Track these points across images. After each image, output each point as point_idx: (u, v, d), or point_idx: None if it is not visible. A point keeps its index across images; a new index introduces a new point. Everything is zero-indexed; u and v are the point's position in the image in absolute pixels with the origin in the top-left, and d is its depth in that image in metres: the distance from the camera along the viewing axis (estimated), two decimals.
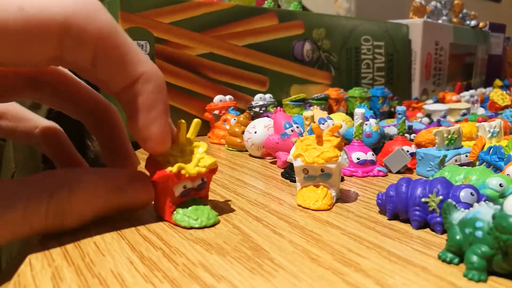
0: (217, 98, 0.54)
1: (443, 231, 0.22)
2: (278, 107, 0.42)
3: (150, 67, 0.22)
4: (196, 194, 0.25)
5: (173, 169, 0.23)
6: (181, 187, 0.24)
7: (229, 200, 0.28)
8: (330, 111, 0.65)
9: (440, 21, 0.96)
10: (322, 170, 0.27)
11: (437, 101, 0.73)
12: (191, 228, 0.23)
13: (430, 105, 0.64)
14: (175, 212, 0.24)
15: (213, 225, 0.24)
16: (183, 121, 0.24)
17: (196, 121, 0.25)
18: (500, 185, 0.24)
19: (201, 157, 0.24)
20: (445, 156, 0.33)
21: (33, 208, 0.20)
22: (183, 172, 0.23)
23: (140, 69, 0.21)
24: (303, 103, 0.61)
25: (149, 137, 0.22)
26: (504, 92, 0.66)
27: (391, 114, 0.69)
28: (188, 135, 0.25)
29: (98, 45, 0.20)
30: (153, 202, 0.25)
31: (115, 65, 0.21)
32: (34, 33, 0.18)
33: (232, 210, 0.26)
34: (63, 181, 0.21)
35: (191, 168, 0.23)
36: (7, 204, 0.19)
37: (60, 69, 0.26)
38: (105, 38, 0.20)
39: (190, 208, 0.24)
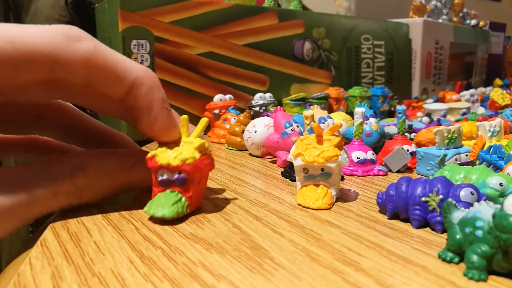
0: (217, 97, 0.54)
1: (443, 230, 0.22)
2: (278, 106, 0.42)
3: (139, 71, 0.23)
4: (177, 188, 0.24)
5: (149, 154, 0.24)
6: (159, 175, 0.24)
7: (229, 199, 0.28)
8: (330, 110, 0.65)
9: (440, 20, 0.96)
10: (322, 169, 0.27)
11: (437, 100, 0.73)
12: (151, 216, 0.24)
13: (430, 104, 0.64)
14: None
15: (172, 218, 0.24)
16: (185, 116, 0.25)
17: (204, 120, 0.26)
18: (500, 184, 0.24)
19: (183, 151, 0.24)
20: (445, 155, 0.33)
21: (59, 187, 0.23)
22: (156, 159, 0.24)
23: (130, 77, 0.22)
24: (303, 102, 0.61)
25: (156, 133, 0.24)
26: (504, 91, 0.66)
27: (391, 113, 0.69)
28: (194, 134, 0.25)
29: (87, 69, 0.21)
30: None
31: (108, 82, 0.22)
32: (24, 64, 0.20)
33: (232, 209, 0.26)
34: (79, 162, 0.24)
35: (162, 157, 0.24)
36: (37, 185, 0.22)
37: (65, 105, 0.29)
38: (91, 61, 0.21)
39: (161, 197, 0.24)
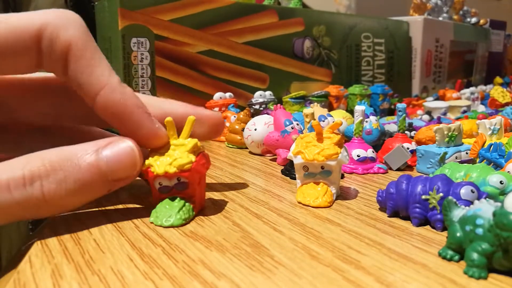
0: (217, 95, 0.54)
1: (444, 228, 0.22)
2: (278, 104, 0.42)
3: (112, 79, 0.22)
4: (178, 193, 0.24)
5: (144, 165, 0.23)
6: (157, 184, 0.24)
7: (229, 197, 0.28)
8: (330, 108, 0.64)
9: (440, 18, 0.96)
10: (322, 167, 0.27)
11: (437, 98, 0.73)
12: (159, 226, 0.23)
13: (430, 102, 0.64)
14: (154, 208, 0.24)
15: (181, 225, 0.23)
16: (170, 119, 0.24)
17: (190, 118, 0.24)
18: (501, 182, 0.24)
19: (178, 157, 0.23)
20: (446, 153, 0.33)
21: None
22: (151, 169, 0.23)
23: (102, 80, 0.22)
24: (303, 100, 0.60)
25: (141, 138, 0.23)
26: (505, 89, 0.66)
27: (391, 111, 0.69)
28: (183, 135, 0.24)
29: (69, 51, 0.21)
30: None
31: (85, 72, 0.22)
32: (14, 38, 0.20)
33: (232, 207, 0.26)
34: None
35: (158, 167, 0.23)
36: None
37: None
38: (75, 45, 0.21)
39: (165, 205, 0.24)
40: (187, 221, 0.23)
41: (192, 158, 0.23)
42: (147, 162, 0.23)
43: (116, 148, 0.22)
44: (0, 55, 0.20)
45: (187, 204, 0.24)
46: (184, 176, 0.23)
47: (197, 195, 0.25)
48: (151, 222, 0.23)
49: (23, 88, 0.26)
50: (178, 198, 0.24)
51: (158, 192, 0.24)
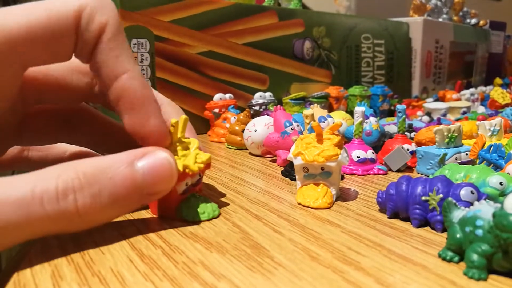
0: (217, 96, 0.54)
1: (443, 230, 0.22)
2: (278, 106, 0.42)
3: (136, 68, 0.22)
4: (193, 190, 0.25)
5: (179, 168, 0.23)
6: (183, 185, 0.24)
7: (229, 198, 0.28)
8: (330, 109, 0.64)
9: (440, 19, 0.96)
10: (322, 169, 0.27)
11: (437, 100, 0.73)
12: (200, 221, 0.24)
13: (430, 104, 0.64)
14: (179, 209, 0.24)
15: (217, 216, 0.25)
16: (175, 120, 0.24)
17: (183, 117, 0.25)
18: (501, 183, 0.24)
19: (196, 153, 0.24)
20: (445, 154, 0.33)
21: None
22: (187, 170, 0.23)
23: (126, 65, 0.22)
24: (303, 101, 0.60)
25: (149, 132, 0.23)
26: (504, 90, 0.66)
27: (391, 113, 0.69)
28: (179, 134, 0.25)
29: (103, 32, 0.21)
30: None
31: (113, 54, 0.22)
32: (57, 25, 0.20)
33: (232, 209, 0.26)
34: None
35: (192, 165, 0.23)
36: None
37: (90, 109, 0.28)
38: (110, 27, 0.21)
39: (194, 203, 0.24)
40: (215, 214, 0.25)
41: (207, 154, 0.25)
42: (181, 164, 0.23)
43: (152, 160, 0.21)
44: (43, 40, 0.20)
45: (207, 199, 0.26)
46: (202, 172, 0.25)
47: (202, 189, 0.27)
48: (187, 219, 0.24)
49: (48, 81, 0.25)
50: (196, 194, 0.25)
51: (178, 193, 0.24)
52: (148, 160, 0.21)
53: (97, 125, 0.29)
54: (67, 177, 0.19)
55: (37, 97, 0.25)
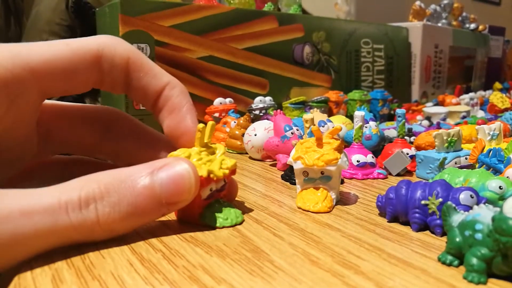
0: (217, 100, 0.54)
1: (443, 234, 0.22)
2: (278, 110, 0.42)
3: (172, 78, 0.26)
4: (218, 195, 0.25)
5: (203, 173, 0.23)
6: (208, 190, 0.24)
7: None
8: (330, 113, 0.65)
9: (439, 24, 0.96)
10: (322, 173, 0.27)
11: (436, 104, 0.73)
12: (223, 227, 0.24)
13: (430, 108, 0.64)
14: (203, 214, 0.24)
15: (241, 223, 0.24)
16: (202, 125, 0.24)
17: (211, 123, 0.25)
18: (500, 187, 0.24)
19: (222, 159, 0.24)
20: (445, 158, 0.33)
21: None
22: (211, 175, 0.23)
23: (165, 79, 0.25)
24: (303, 105, 0.61)
25: (185, 130, 0.25)
26: (504, 94, 0.66)
27: (391, 117, 0.69)
28: (206, 139, 0.25)
29: (129, 63, 0.24)
30: None
31: (146, 77, 0.25)
32: (77, 59, 0.23)
33: None
34: None
35: (217, 171, 0.23)
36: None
37: (126, 115, 0.29)
38: (133, 57, 0.24)
39: (218, 208, 0.24)
40: (239, 219, 0.25)
41: (233, 160, 0.25)
42: (206, 170, 0.23)
43: (172, 171, 0.21)
44: (65, 74, 0.23)
45: (231, 204, 0.25)
46: (227, 178, 0.25)
47: (226, 195, 0.26)
48: (215, 226, 0.24)
49: (68, 115, 0.28)
50: (221, 200, 0.25)
51: (202, 199, 0.24)
52: (167, 171, 0.21)
53: (132, 129, 0.29)
54: (89, 188, 0.20)
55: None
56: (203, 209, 0.24)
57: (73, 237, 0.20)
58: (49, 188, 0.19)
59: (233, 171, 0.25)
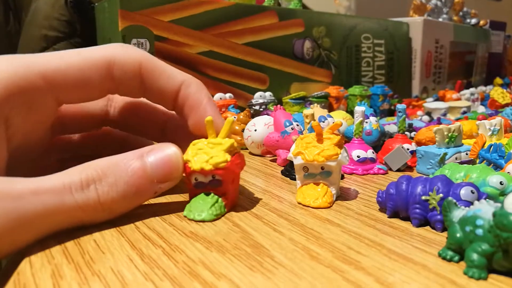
0: (217, 96, 0.54)
1: (444, 229, 0.22)
2: (278, 105, 0.42)
3: (186, 75, 0.26)
4: (211, 190, 0.25)
5: (184, 160, 0.24)
6: (193, 179, 0.25)
7: None
8: (330, 109, 0.64)
9: (440, 19, 0.96)
10: (322, 168, 0.27)
11: (437, 99, 0.73)
12: (191, 220, 0.24)
13: (430, 103, 0.64)
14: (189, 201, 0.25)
15: (212, 220, 0.24)
16: (210, 118, 0.25)
17: (230, 119, 0.26)
18: (501, 183, 0.24)
19: (215, 155, 0.24)
20: (446, 154, 0.33)
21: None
22: (188, 164, 0.24)
23: (179, 78, 0.26)
24: (303, 101, 0.60)
25: (202, 123, 0.26)
26: (505, 90, 0.66)
27: (391, 112, 0.69)
28: (221, 135, 0.25)
29: (141, 69, 0.25)
30: None
31: (161, 80, 0.26)
32: (88, 68, 0.24)
33: (232, 208, 0.26)
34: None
35: (194, 162, 0.24)
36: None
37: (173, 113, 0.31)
38: (144, 62, 0.25)
39: (194, 200, 0.25)
40: (218, 217, 0.24)
41: (228, 157, 0.24)
42: (185, 157, 0.24)
43: (160, 153, 0.24)
44: (78, 82, 0.24)
45: (220, 200, 0.25)
46: (218, 174, 0.24)
47: (229, 193, 0.25)
48: (185, 216, 0.24)
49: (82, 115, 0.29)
50: (212, 194, 0.25)
51: (193, 187, 0.25)
52: (155, 153, 0.24)
53: (181, 125, 0.30)
54: (87, 171, 0.22)
55: (61, 127, 0.29)
56: (193, 196, 0.25)
57: (79, 216, 0.21)
58: (52, 175, 0.21)
59: (225, 169, 0.24)
